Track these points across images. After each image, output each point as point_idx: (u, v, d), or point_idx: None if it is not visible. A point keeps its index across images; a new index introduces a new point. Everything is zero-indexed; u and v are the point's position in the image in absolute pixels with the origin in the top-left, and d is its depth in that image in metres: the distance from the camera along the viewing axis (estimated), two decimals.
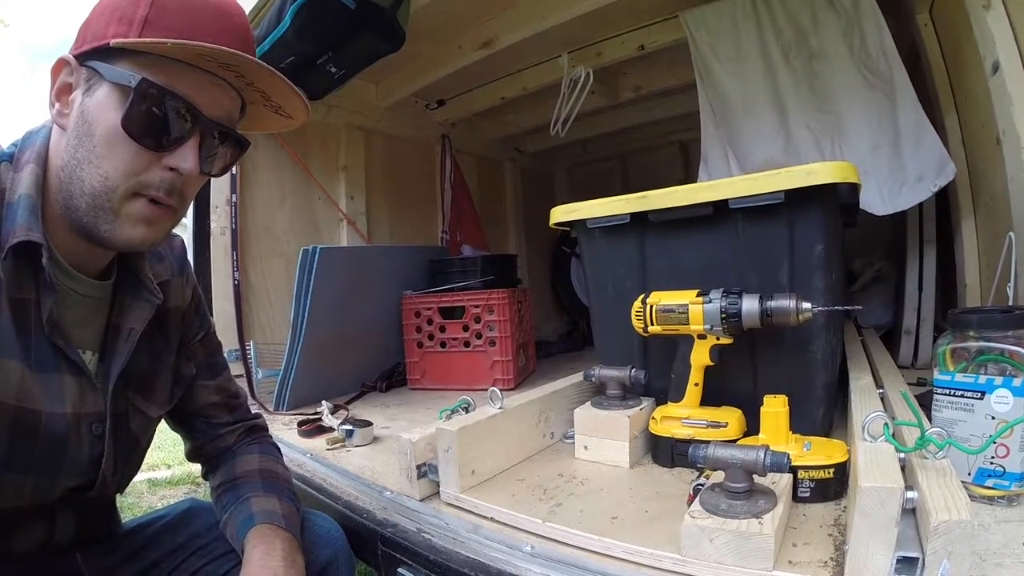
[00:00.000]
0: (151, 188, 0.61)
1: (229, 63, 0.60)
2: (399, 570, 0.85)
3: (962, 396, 0.77)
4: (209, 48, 0.57)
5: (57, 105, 0.62)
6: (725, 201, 0.96)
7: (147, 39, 0.57)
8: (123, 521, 0.86)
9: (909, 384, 1.05)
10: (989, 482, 0.75)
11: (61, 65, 0.61)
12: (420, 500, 0.94)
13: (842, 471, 0.79)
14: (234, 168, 1.80)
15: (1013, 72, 1.14)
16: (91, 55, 0.60)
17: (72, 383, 0.65)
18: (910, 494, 0.59)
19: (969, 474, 0.76)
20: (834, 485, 0.79)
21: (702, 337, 0.95)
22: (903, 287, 1.74)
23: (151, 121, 0.59)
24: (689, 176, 2.83)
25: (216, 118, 0.63)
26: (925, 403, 0.84)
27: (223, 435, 0.88)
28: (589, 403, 1.09)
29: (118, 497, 0.83)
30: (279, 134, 1.92)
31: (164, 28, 0.58)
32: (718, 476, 0.72)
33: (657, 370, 1.09)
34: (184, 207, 0.66)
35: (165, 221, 0.64)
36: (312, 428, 1.42)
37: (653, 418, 1.01)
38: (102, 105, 0.59)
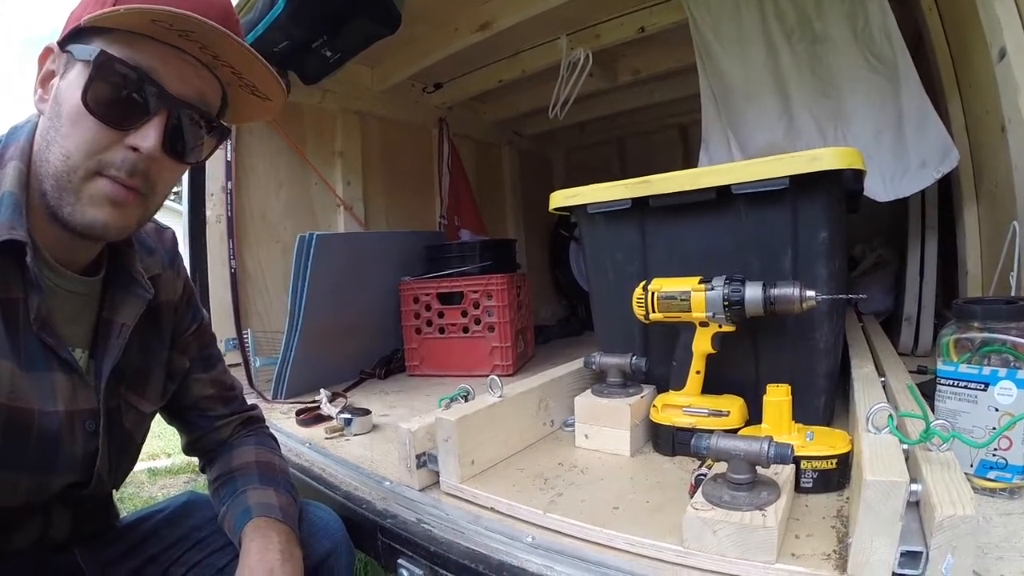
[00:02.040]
0: (111, 168, 0.58)
1: (188, 29, 0.57)
2: (399, 561, 0.85)
3: (965, 387, 0.77)
4: (162, 11, 0.54)
5: (40, 91, 0.61)
6: (728, 186, 0.94)
7: (103, 11, 0.55)
8: (122, 515, 0.85)
9: (910, 372, 1.05)
10: (991, 474, 0.75)
11: (47, 54, 0.61)
12: (420, 490, 0.93)
13: (845, 462, 0.78)
14: (229, 155, 1.79)
15: (1020, 59, 1.11)
16: (69, 39, 0.59)
17: (64, 380, 0.64)
18: (914, 487, 0.58)
19: (971, 466, 0.75)
20: (837, 476, 0.78)
21: (704, 325, 0.95)
22: (904, 274, 1.73)
23: (111, 96, 0.57)
24: (689, 160, 2.82)
25: (184, 96, 0.61)
26: (927, 392, 0.83)
27: (219, 428, 0.87)
28: (589, 391, 1.08)
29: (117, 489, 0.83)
30: (274, 119, 1.89)
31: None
32: (720, 466, 0.72)
33: (658, 357, 1.08)
34: (154, 194, 0.63)
35: (130, 206, 0.61)
36: (310, 417, 1.41)
37: (654, 406, 1.01)
38: (71, 85, 0.58)
